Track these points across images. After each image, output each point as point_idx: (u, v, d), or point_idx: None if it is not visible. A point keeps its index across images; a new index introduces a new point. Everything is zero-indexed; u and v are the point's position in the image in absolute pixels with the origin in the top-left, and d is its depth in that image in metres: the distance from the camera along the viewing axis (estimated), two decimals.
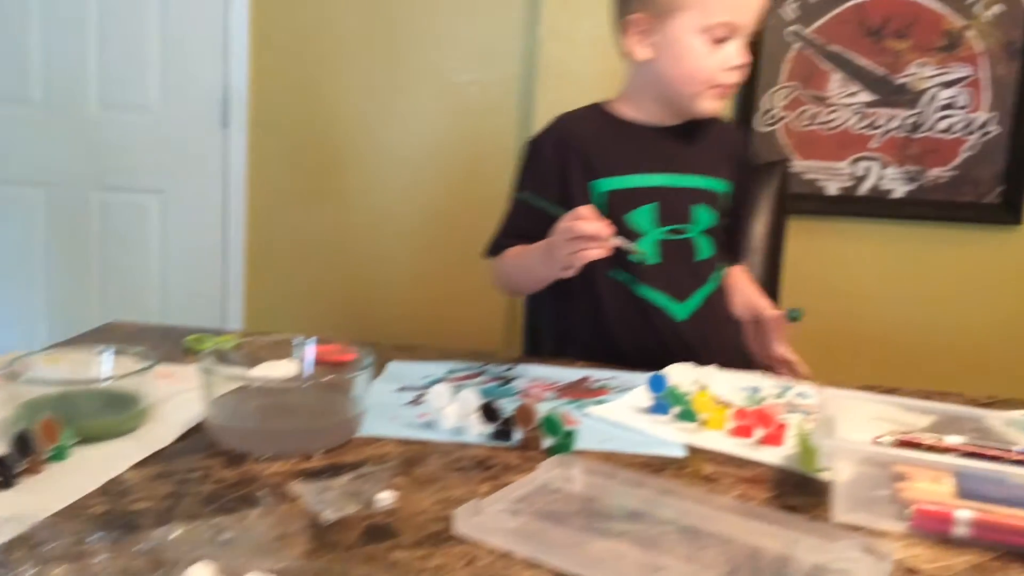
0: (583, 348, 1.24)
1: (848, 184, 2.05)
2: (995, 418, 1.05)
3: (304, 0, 2.11)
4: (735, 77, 1.20)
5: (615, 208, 1.22)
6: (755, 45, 2.01)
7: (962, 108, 1.99)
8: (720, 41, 1.17)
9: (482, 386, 1.06)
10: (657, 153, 1.26)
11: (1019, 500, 0.75)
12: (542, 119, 1.96)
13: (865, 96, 2.01)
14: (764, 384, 1.12)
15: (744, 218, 1.39)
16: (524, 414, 0.88)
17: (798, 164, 2.04)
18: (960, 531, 0.74)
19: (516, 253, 1.22)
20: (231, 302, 2.29)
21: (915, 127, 2.01)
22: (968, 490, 0.77)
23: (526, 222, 1.22)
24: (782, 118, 2.03)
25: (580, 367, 1.17)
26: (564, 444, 0.87)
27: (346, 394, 0.88)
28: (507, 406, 0.91)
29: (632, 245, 1.09)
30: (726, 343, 1.28)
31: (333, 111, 2.14)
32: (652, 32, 1.20)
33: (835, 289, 2.05)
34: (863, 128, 2.02)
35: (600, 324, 1.24)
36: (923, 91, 1.99)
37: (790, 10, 1.98)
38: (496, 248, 1.27)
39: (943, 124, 2.00)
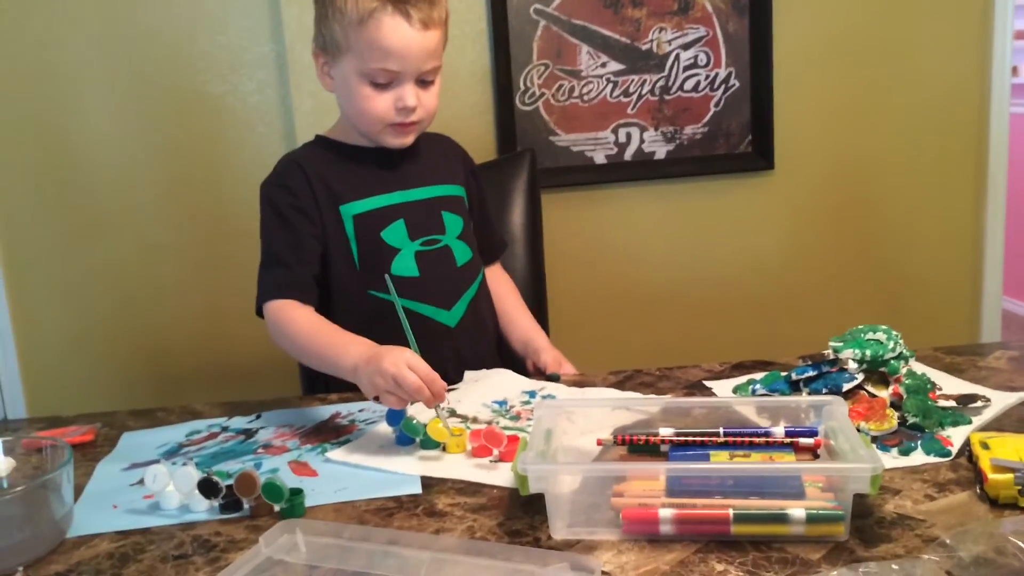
0: None
1: (613, 152, 2.10)
2: (723, 389, 1.12)
3: (28, 24, 1.91)
4: (411, 116, 1.19)
5: (366, 230, 1.22)
6: (503, 27, 2.02)
7: (704, 66, 2.08)
8: (383, 86, 1.17)
9: (222, 446, 1.01)
10: (389, 172, 1.26)
11: (718, 489, 0.79)
12: (303, 128, 1.90)
13: (615, 65, 2.06)
14: (512, 392, 1.14)
15: (487, 218, 1.42)
16: (243, 485, 0.84)
17: (564, 138, 2.08)
18: (666, 529, 0.77)
19: (315, 332, 1.12)
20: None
21: (666, 89, 2.09)
22: (675, 487, 0.81)
23: (294, 258, 1.19)
24: (542, 95, 2.06)
25: (330, 403, 1.15)
26: (293, 506, 0.84)
27: (47, 495, 0.81)
28: (236, 471, 0.87)
29: (445, 411, 1.03)
30: (491, 343, 1.32)
31: (75, 143, 1.97)
32: (330, 68, 1.21)
33: (609, 254, 2.12)
34: (619, 96, 2.08)
35: None
36: (667, 54, 2.06)
37: None
38: (269, 297, 1.17)
39: (690, 84, 2.09)
